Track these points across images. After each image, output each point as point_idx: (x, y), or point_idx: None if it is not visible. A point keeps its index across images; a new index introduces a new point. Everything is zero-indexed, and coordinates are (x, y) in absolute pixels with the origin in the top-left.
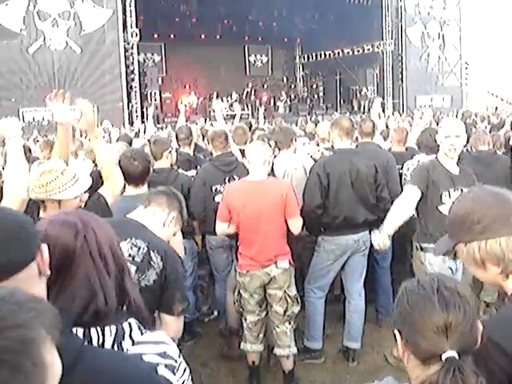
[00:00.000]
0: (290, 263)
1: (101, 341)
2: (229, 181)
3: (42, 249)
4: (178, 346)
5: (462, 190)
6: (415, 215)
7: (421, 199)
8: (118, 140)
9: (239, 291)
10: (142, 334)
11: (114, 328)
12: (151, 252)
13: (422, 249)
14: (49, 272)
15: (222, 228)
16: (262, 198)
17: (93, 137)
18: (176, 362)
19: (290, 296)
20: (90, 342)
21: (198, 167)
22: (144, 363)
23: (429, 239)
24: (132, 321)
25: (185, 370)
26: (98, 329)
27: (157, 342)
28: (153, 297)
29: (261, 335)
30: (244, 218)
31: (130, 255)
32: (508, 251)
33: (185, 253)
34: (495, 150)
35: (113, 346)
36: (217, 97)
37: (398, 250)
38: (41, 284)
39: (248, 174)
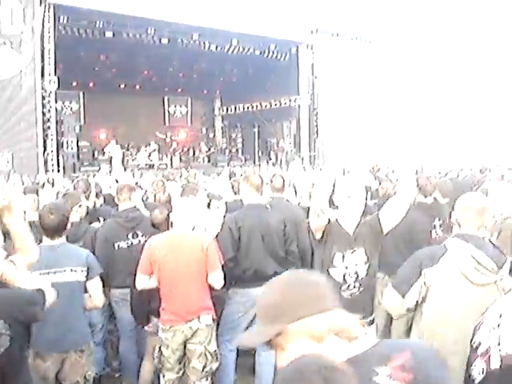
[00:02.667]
0: (212, 318)
1: None
2: (132, 237)
3: None
4: None
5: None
6: None
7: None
8: (24, 191)
9: (160, 348)
10: None
11: None
12: None
13: None
14: None
15: (143, 281)
16: (183, 251)
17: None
18: None
19: (209, 352)
20: None
21: (101, 219)
22: None
23: None
24: None
25: None
26: None
27: None
28: (11, 359)
29: None
30: (165, 270)
31: None
32: (339, 322)
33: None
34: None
35: None
36: (133, 147)
37: None
38: None
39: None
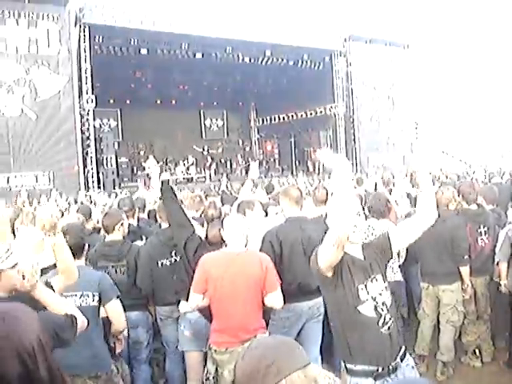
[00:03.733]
0: None
1: None
2: (175, 254)
3: None
4: None
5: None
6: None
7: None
8: (78, 211)
9: (216, 368)
10: None
11: None
12: None
13: (347, 370)
14: None
15: (197, 300)
16: (241, 269)
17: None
18: None
19: None
20: None
21: (144, 238)
22: None
23: (355, 357)
24: None
25: None
26: None
27: None
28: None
29: None
30: (222, 289)
31: None
32: (307, 379)
33: (140, 325)
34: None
35: None
36: (172, 162)
37: None
38: None
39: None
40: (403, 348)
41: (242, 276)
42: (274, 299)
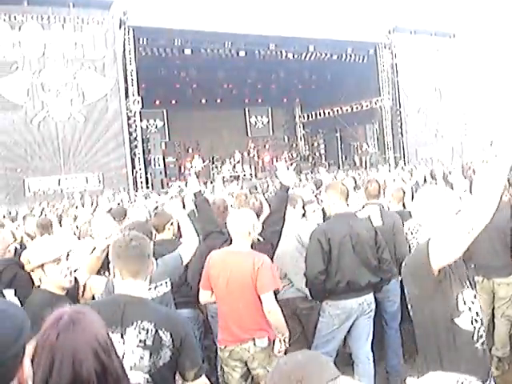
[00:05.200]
0: (269, 340)
1: None
2: None
3: (24, 363)
4: None
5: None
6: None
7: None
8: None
9: (221, 366)
10: None
11: None
12: (159, 331)
13: None
14: (30, 382)
15: (205, 296)
16: (234, 270)
17: None
18: None
19: None
20: None
21: None
22: None
23: None
24: None
25: None
26: None
27: None
28: (172, 372)
29: None
30: (218, 288)
31: (140, 341)
32: None
33: (191, 323)
34: None
35: None
36: (218, 160)
37: (407, 309)
38: None
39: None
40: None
41: (236, 275)
42: (264, 301)
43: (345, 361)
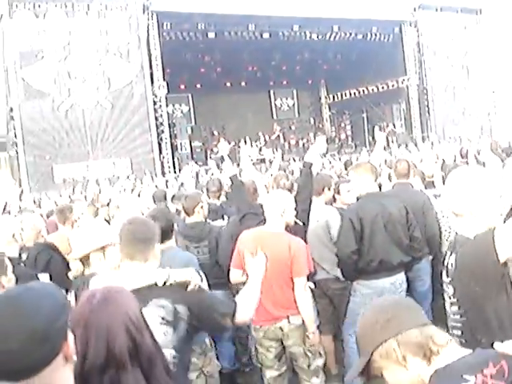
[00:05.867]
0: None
1: None
2: None
3: (69, 339)
4: None
5: None
6: None
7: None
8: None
9: (255, 346)
10: None
11: None
12: (176, 306)
13: None
14: (75, 357)
15: (236, 275)
16: (269, 250)
17: None
18: None
19: (310, 350)
20: None
21: (225, 217)
22: None
23: None
24: None
25: None
26: None
27: None
28: (189, 345)
29: None
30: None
31: (162, 318)
32: (423, 337)
33: None
34: None
35: None
36: (245, 142)
37: (438, 289)
38: (66, 371)
39: None
40: None
41: (271, 256)
42: (297, 285)
43: None
